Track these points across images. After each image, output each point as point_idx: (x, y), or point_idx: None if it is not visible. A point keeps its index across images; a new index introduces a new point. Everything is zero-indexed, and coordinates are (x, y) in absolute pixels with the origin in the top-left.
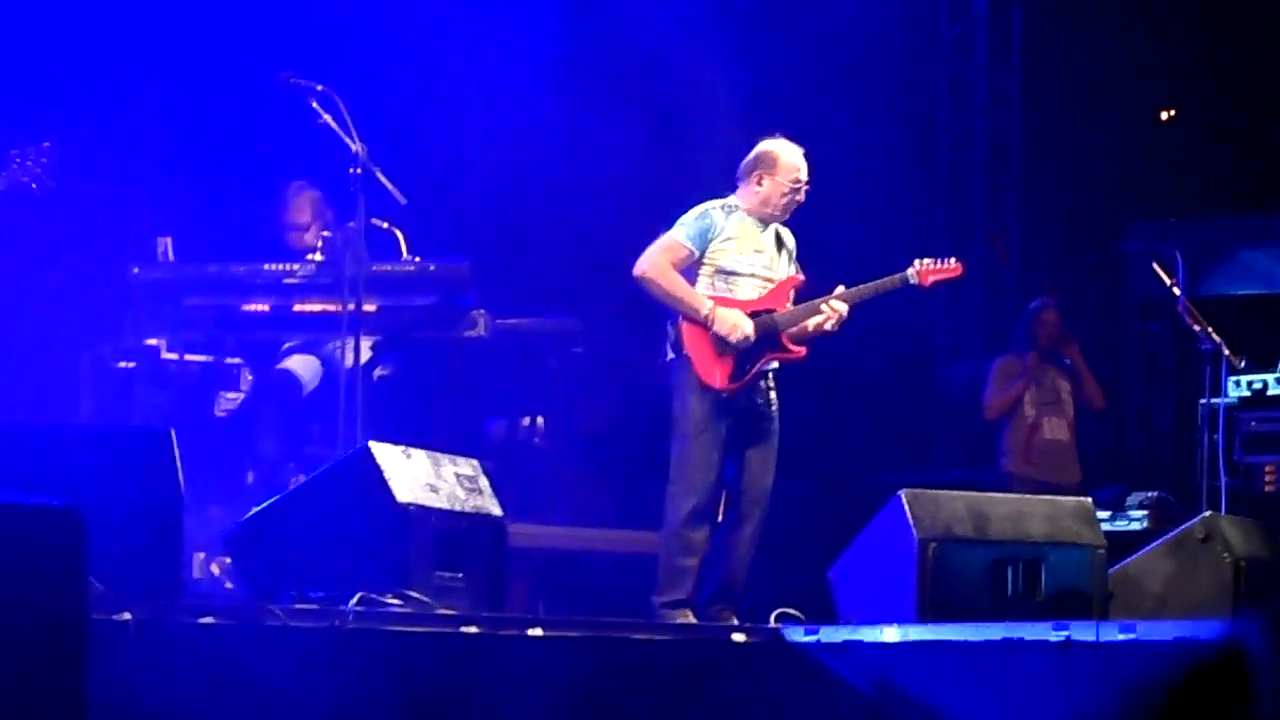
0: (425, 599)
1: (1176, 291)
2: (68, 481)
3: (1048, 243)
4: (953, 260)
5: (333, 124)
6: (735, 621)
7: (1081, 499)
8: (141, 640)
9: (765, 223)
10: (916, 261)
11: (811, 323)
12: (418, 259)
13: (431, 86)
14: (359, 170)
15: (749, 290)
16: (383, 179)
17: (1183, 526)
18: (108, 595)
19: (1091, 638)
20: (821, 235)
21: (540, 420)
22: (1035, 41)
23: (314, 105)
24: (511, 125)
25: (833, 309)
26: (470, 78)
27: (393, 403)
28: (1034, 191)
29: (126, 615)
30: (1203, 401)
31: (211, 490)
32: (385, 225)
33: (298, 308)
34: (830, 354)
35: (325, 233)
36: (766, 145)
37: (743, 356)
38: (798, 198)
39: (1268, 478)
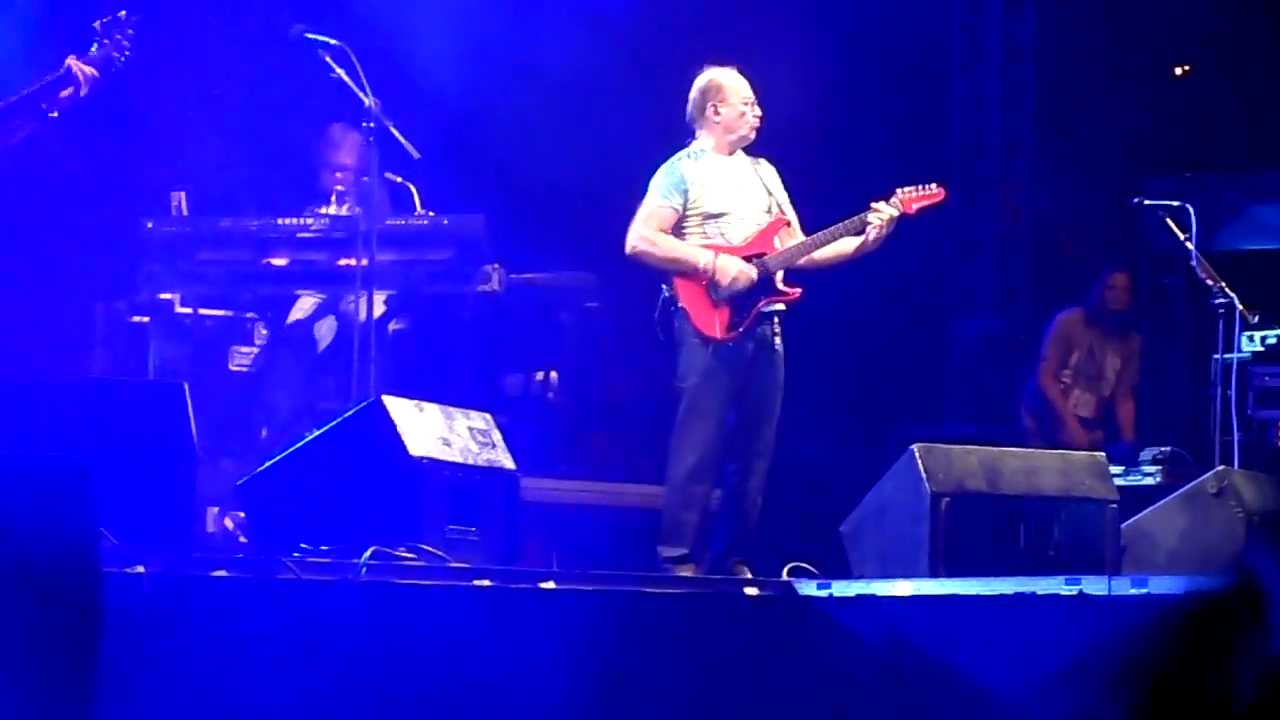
0: (438, 552)
1: (1190, 247)
2: (81, 436)
3: (1061, 199)
4: (934, 185)
5: (346, 78)
6: (749, 574)
7: (1095, 453)
8: (154, 593)
9: (733, 153)
10: (899, 190)
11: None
12: (432, 213)
13: (445, 40)
14: (372, 124)
15: (741, 227)
16: (396, 133)
17: (1195, 481)
18: (121, 549)
19: (1103, 591)
20: (833, 192)
21: (554, 375)
22: None
23: (327, 59)
24: (526, 79)
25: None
26: (485, 31)
27: (407, 357)
28: (1047, 147)
29: (140, 568)
30: (1216, 356)
31: (225, 444)
32: (399, 180)
33: (312, 261)
34: (843, 310)
35: (365, 178)
36: (704, 76)
37: (738, 303)
38: (754, 115)
39: None
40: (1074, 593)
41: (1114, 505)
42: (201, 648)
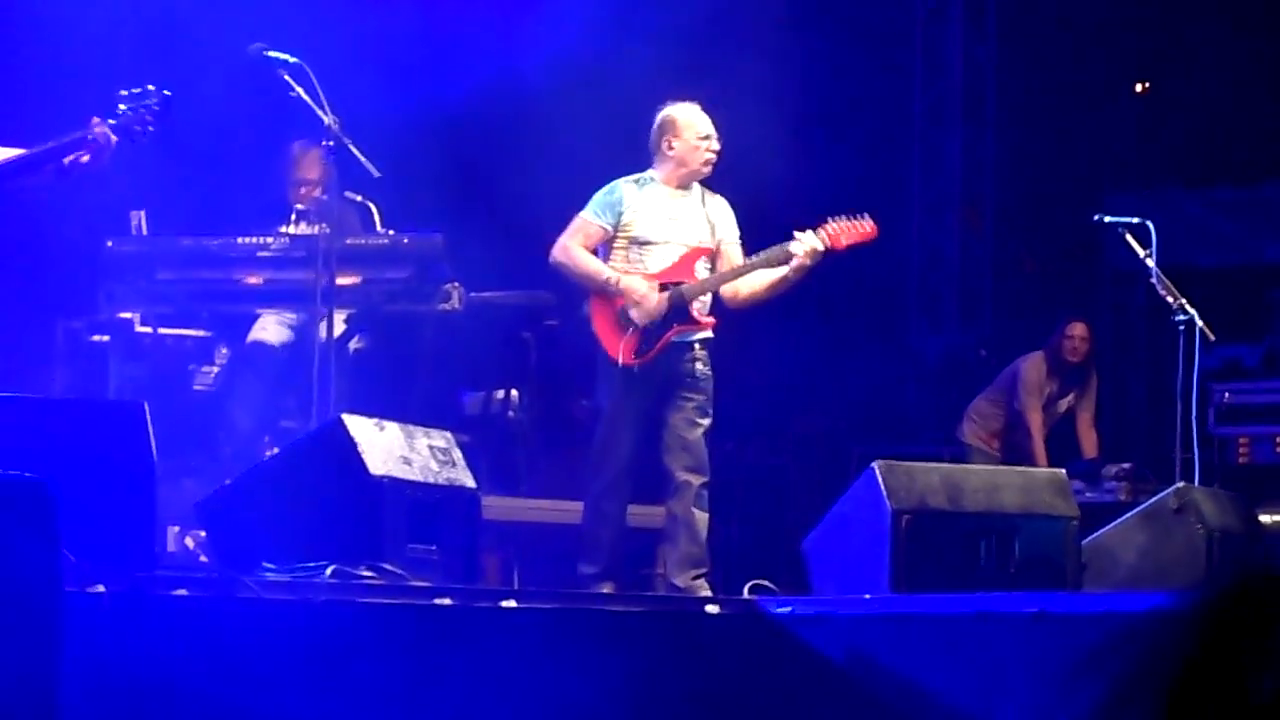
0: (398, 571)
1: (1150, 263)
2: (41, 455)
3: (1023, 214)
4: (865, 217)
5: (305, 97)
6: (706, 591)
7: (1055, 470)
8: (115, 613)
9: (687, 187)
10: (830, 220)
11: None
12: (391, 232)
13: (403, 58)
14: (331, 143)
15: (662, 258)
16: (356, 152)
17: (1156, 498)
18: (81, 568)
19: (1065, 609)
20: (795, 207)
21: (514, 393)
22: (1010, 12)
23: (286, 78)
24: (485, 97)
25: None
26: (443, 48)
27: (367, 376)
28: (1009, 163)
29: (100, 588)
30: (1177, 373)
31: (186, 463)
32: (359, 198)
33: (271, 280)
34: (804, 324)
35: (324, 195)
36: (663, 112)
37: (648, 329)
38: (711, 150)
39: (1241, 449)
40: (1035, 611)
41: (1075, 522)
42: (162, 667)
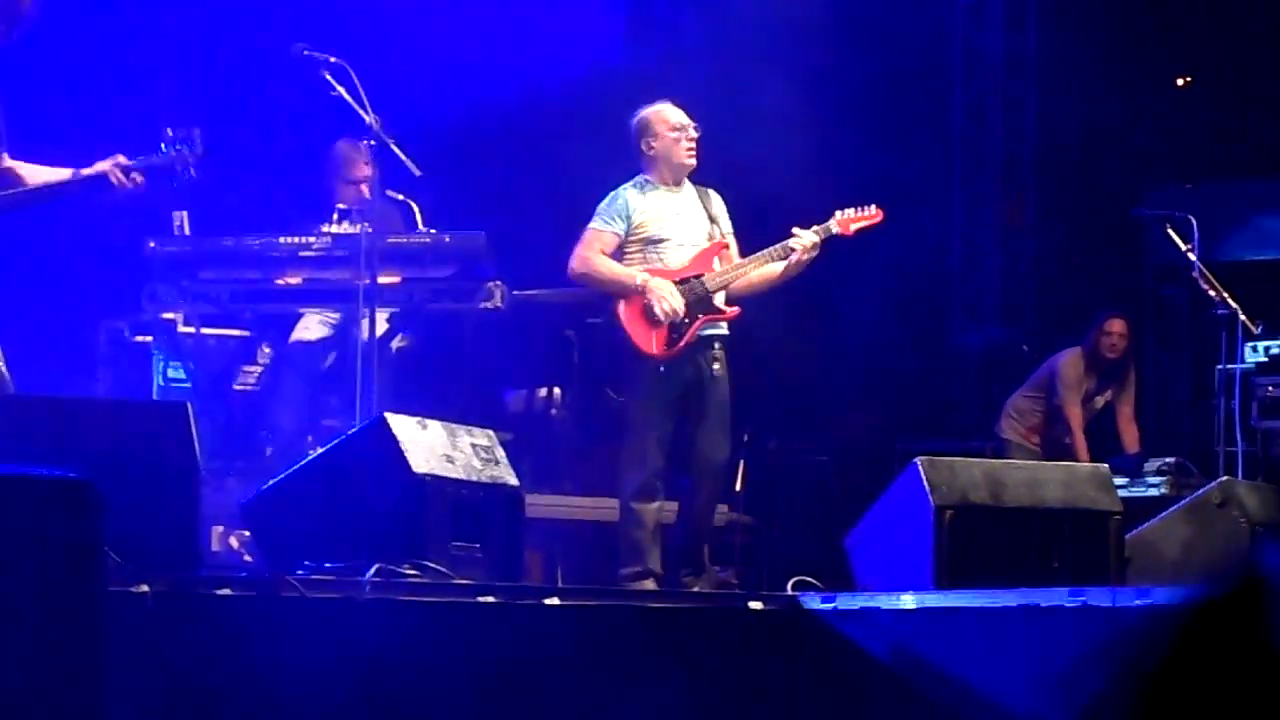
0: (442, 569)
1: (1192, 257)
2: (85, 455)
3: (1064, 209)
4: (873, 207)
5: (346, 96)
6: (698, 588)
7: (1097, 465)
8: (159, 613)
9: (678, 183)
10: (837, 212)
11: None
12: (434, 231)
13: (446, 57)
14: (373, 143)
15: (678, 255)
16: (397, 151)
17: (1199, 492)
18: (125, 568)
19: (1108, 603)
20: (837, 205)
21: (557, 391)
22: (1050, 6)
23: (327, 77)
24: (527, 96)
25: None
26: (485, 47)
27: (410, 375)
28: (1050, 158)
29: (144, 588)
30: (1219, 367)
31: (229, 463)
32: (400, 197)
33: (313, 280)
34: (846, 321)
35: (367, 195)
36: (636, 117)
37: (675, 323)
38: (690, 139)
39: None
40: (1078, 605)
41: (1118, 517)
42: (207, 667)
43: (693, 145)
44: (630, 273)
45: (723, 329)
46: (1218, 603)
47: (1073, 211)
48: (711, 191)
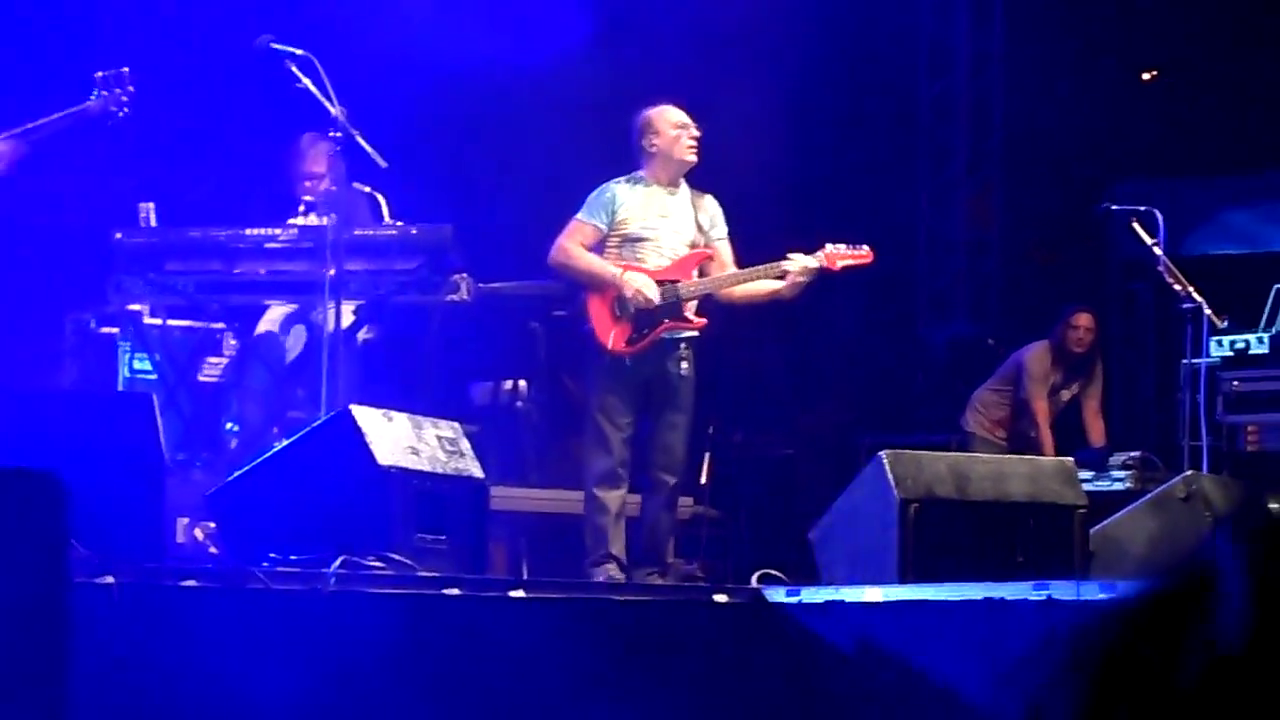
0: (407, 561)
1: (1158, 251)
2: (50, 446)
3: (1030, 204)
4: (864, 247)
5: (312, 88)
6: (660, 583)
7: (1063, 459)
8: (124, 604)
9: (675, 183)
10: (827, 245)
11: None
12: (400, 223)
13: (412, 49)
14: (339, 134)
15: (655, 255)
16: (363, 143)
17: (1164, 486)
18: (90, 559)
19: (1072, 596)
20: (803, 201)
21: (523, 384)
22: (1017, 2)
23: (293, 69)
24: (495, 88)
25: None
26: (452, 39)
27: (375, 367)
28: (1016, 153)
29: (109, 579)
30: (1185, 361)
31: (194, 455)
32: (367, 189)
33: (279, 272)
34: (812, 315)
35: (333, 187)
36: (639, 116)
37: (640, 321)
38: (691, 137)
39: (1249, 437)
40: (1043, 598)
41: (1083, 510)
42: (171, 658)
43: (694, 143)
44: (607, 266)
45: (692, 332)
46: (1165, 595)
47: (1039, 206)
48: (709, 196)
